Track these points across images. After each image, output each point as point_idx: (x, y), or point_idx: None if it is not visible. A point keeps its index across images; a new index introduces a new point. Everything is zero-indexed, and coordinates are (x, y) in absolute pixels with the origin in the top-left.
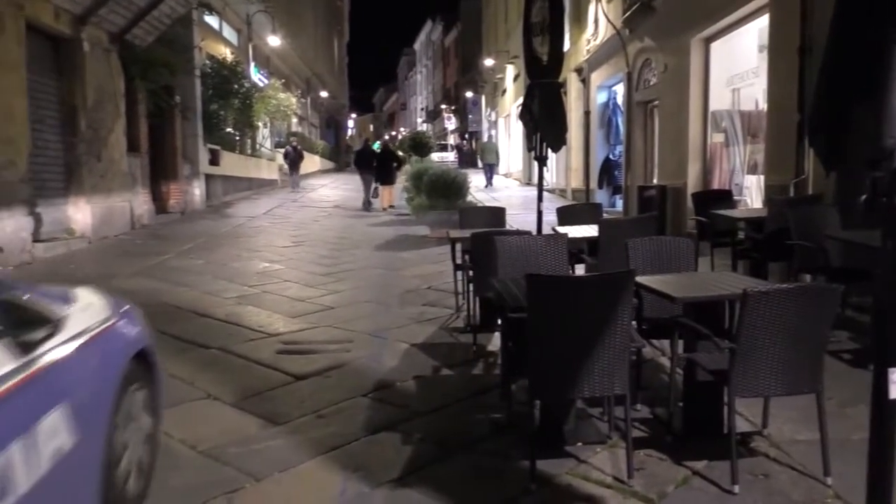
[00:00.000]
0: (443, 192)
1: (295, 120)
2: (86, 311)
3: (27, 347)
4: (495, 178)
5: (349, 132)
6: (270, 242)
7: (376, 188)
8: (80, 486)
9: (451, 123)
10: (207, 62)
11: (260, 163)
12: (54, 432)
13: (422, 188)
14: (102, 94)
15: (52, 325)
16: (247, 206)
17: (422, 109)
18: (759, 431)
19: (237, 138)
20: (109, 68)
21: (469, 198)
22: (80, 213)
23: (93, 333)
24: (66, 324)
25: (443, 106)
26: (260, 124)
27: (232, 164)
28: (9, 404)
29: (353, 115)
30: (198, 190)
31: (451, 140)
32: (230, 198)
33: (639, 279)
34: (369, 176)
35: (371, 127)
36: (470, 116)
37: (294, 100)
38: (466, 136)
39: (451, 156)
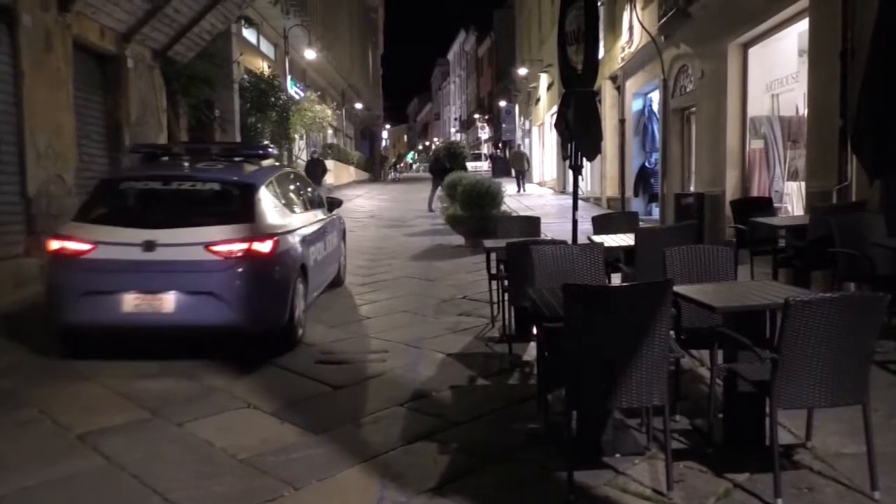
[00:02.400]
0: (477, 201)
1: (330, 131)
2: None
3: (327, 210)
4: (529, 187)
5: (383, 143)
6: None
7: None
8: (337, 257)
9: (484, 133)
10: (245, 76)
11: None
12: (335, 236)
13: (456, 198)
14: (145, 109)
15: (327, 206)
16: None
17: (455, 119)
18: (803, 444)
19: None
20: (152, 84)
21: (503, 207)
22: None
23: (336, 213)
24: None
25: (476, 115)
26: (296, 136)
27: None
28: (327, 227)
29: (388, 126)
30: None
31: (485, 149)
32: None
33: (677, 289)
34: (438, 181)
35: (405, 137)
36: (503, 125)
37: (329, 112)
38: (500, 145)
39: (484, 165)
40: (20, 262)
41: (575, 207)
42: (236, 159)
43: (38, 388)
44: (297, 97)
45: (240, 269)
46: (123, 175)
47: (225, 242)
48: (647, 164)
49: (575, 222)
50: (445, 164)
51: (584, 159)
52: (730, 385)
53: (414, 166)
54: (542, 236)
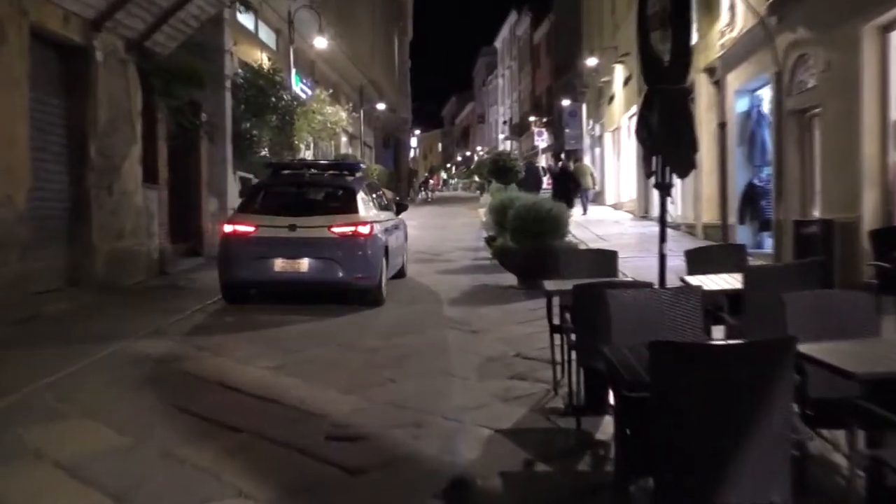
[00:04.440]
0: (534, 229)
1: (344, 139)
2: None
3: (396, 213)
4: (600, 210)
5: (412, 153)
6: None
7: None
8: (402, 251)
9: (542, 140)
10: (240, 71)
11: None
12: (402, 233)
13: (506, 225)
14: (116, 114)
15: (394, 208)
16: None
17: (504, 123)
18: None
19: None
20: (125, 82)
21: (568, 238)
22: (87, 258)
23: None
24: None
25: (531, 118)
26: (302, 146)
27: None
28: (398, 225)
29: (417, 132)
30: None
31: (543, 161)
32: None
33: (801, 348)
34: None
35: (439, 146)
36: (567, 131)
37: (344, 114)
38: (562, 156)
39: (544, 182)
40: None
41: (662, 238)
42: (337, 172)
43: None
44: (303, 96)
45: (350, 244)
46: (268, 182)
47: (340, 226)
48: (755, 181)
49: (663, 258)
50: (562, 177)
51: (674, 176)
52: (874, 477)
53: (451, 183)
54: (620, 276)
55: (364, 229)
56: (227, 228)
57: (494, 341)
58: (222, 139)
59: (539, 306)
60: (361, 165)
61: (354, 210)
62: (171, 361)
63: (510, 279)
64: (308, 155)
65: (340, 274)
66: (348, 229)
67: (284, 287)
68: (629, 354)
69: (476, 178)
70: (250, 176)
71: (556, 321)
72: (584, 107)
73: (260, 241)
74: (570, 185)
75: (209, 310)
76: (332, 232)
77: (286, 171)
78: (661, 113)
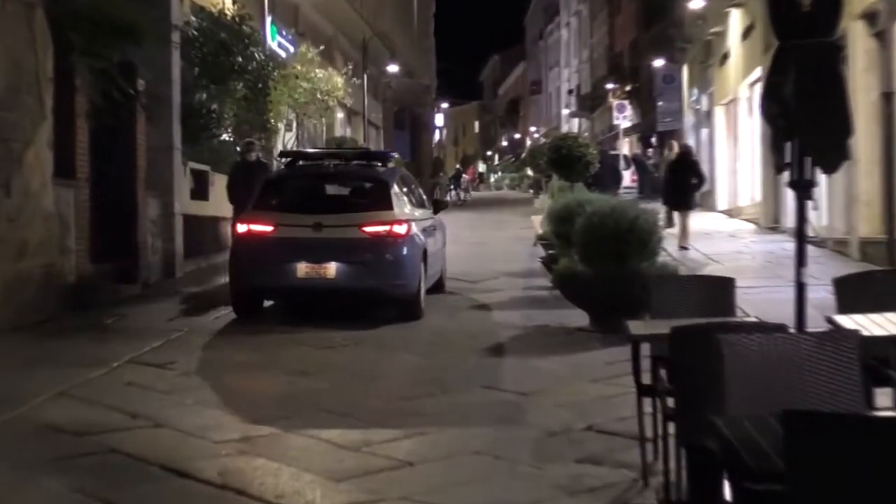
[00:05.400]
0: (612, 246)
1: (340, 115)
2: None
3: (433, 212)
4: (704, 217)
5: (437, 135)
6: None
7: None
8: (441, 258)
9: (623, 117)
10: (193, 19)
11: None
12: (440, 236)
13: (573, 240)
14: (18, 81)
15: (429, 207)
16: None
17: (569, 93)
18: None
19: (396, 155)
20: (30, 35)
21: (663, 258)
22: None
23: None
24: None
25: (608, 86)
26: (280, 125)
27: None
28: (436, 225)
29: (444, 106)
30: (172, 244)
31: (625, 148)
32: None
33: None
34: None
35: (476, 125)
36: (660, 104)
37: (340, 80)
38: (653, 140)
39: (626, 177)
40: None
41: (801, 260)
42: (365, 162)
43: None
44: (282, 55)
45: (385, 246)
46: (285, 174)
47: (372, 224)
48: None
49: (801, 288)
50: (680, 167)
51: (818, 170)
52: None
53: (494, 178)
54: (739, 315)
55: (400, 229)
56: (241, 228)
57: (555, 407)
58: (167, 116)
59: (621, 357)
60: (393, 155)
61: (388, 206)
62: (93, 434)
63: (578, 317)
64: (289, 141)
65: (373, 280)
66: (382, 229)
67: (308, 296)
68: (753, 429)
69: (529, 172)
70: (206, 168)
71: (647, 379)
72: (684, 70)
73: (280, 243)
74: (690, 181)
75: (149, 358)
76: (364, 232)
77: (304, 162)
78: (799, 79)
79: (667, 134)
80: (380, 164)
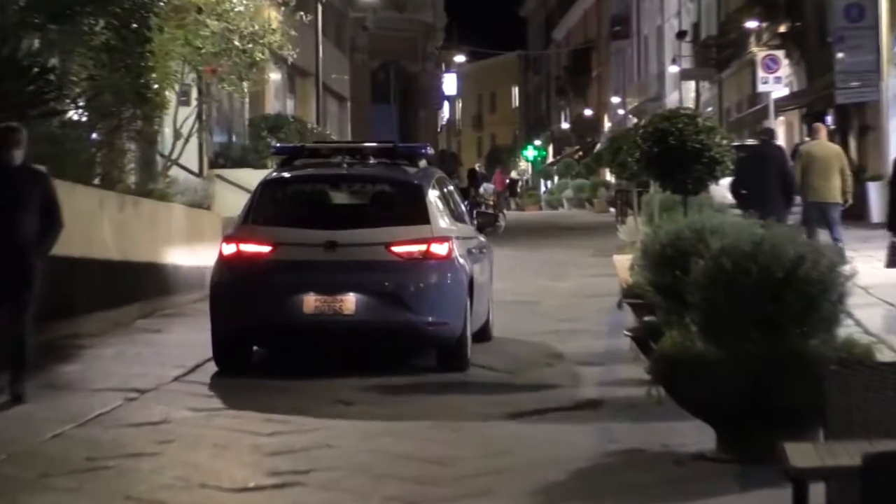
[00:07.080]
0: (756, 309)
1: (276, 76)
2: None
3: (479, 233)
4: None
5: (445, 112)
6: (207, 479)
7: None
8: (488, 293)
9: (775, 79)
10: None
11: (172, 215)
12: (487, 263)
13: (691, 297)
14: None
15: (472, 223)
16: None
17: (679, 37)
18: None
19: (106, 142)
20: None
21: (848, 328)
22: None
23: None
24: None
25: (750, 24)
26: (171, 93)
27: (86, 225)
28: (483, 248)
29: (459, 59)
30: None
31: (780, 134)
32: (73, 329)
33: None
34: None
35: (514, 94)
36: (840, 56)
37: (275, 16)
38: (829, 120)
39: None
40: None
41: None
42: (389, 161)
43: None
44: None
45: (420, 270)
46: (283, 177)
47: (404, 243)
48: None
49: None
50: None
51: None
52: None
53: (543, 190)
54: None
55: (440, 249)
56: (228, 249)
57: None
58: None
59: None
60: (427, 150)
61: (424, 219)
62: None
63: (696, 434)
64: (185, 119)
65: (406, 316)
66: (417, 249)
67: (318, 337)
68: None
69: (610, 178)
70: (42, 168)
71: None
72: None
73: (281, 268)
74: None
75: None
76: (393, 252)
77: (307, 160)
78: None
79: (851, 108)
80: (409, 163)
